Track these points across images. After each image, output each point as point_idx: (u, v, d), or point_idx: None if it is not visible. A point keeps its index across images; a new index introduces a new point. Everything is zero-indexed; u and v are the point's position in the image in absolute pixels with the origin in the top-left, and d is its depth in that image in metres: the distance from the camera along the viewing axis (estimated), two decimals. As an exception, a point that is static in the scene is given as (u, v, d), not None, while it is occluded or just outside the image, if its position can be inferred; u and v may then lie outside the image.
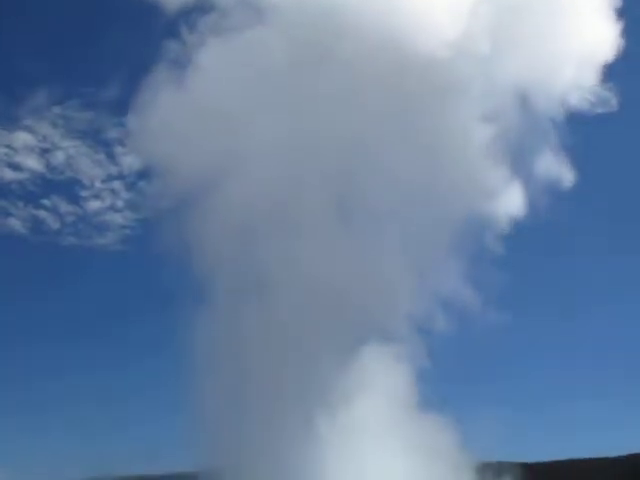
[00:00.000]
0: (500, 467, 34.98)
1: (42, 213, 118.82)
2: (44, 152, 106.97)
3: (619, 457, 77.14)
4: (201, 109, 33.96)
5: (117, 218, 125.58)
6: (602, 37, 33.80)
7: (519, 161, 34.41)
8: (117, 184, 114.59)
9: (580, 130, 39.43)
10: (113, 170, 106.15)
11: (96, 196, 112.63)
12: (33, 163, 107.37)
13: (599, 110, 40.74)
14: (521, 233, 37.46)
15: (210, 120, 33.79)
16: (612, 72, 36.32)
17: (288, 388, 31.12)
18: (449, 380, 37.10)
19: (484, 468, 34.14)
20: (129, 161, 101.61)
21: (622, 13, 34.22)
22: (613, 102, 40.18)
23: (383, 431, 30.09)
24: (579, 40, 33.80)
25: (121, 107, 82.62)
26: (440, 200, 33.87)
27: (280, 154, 32.77)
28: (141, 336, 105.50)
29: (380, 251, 32.67)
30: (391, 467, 29.59)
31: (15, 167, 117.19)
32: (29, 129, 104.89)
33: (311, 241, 31.74)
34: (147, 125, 34.10)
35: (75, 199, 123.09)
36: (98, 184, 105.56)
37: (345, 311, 31.56)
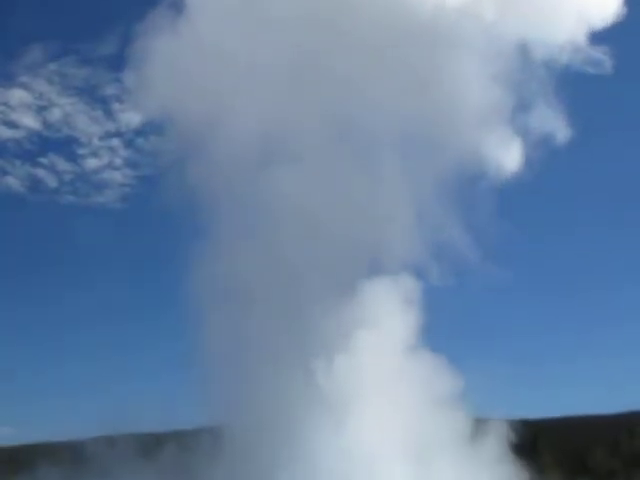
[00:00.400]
0: (497, 423, 35.09)
1: (40, 171, 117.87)
2: (41, 109, 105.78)
3: (616, 414, 77.90)
4: (199, 51, 33.81)
5: (116, 176, 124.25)
6: (603, 2, 33.96)
7: (517, 116, 34.53)
8: (115, 141, 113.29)
9: (575, 89, 39.59)
10: (111, 127, 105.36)
11: (94, 154, 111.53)
12: (30, 121, 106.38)
13: (594, 71, 40.97)
14: (518, 187, 37.41)
15: (208, 61, 33.61)
16: (610, 36, 36.60)
17: (288, 329, 31.21)
18: (445, 334, 37.02)
19: (481, 424, 34.29)
20: (127, 118, 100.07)
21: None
22: (608, 65, 40.36)
23: (384, 377, 29.85)
24: (579, 2, 33.87)
25: (118, 63, 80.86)
26: (440, 142, 33.85)
27: (280, 90, 32.75)
28: (143, 292, 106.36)
29: (380, 185, 32.69)
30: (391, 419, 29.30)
31: (11, 125, 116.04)
32: (25, 86, 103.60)
33: (312, 176, 31.79)
34: (146, 74, 33.83)
35: (73, 157, 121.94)
36: (96, 141, 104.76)
37: (346, 246, 31.63)
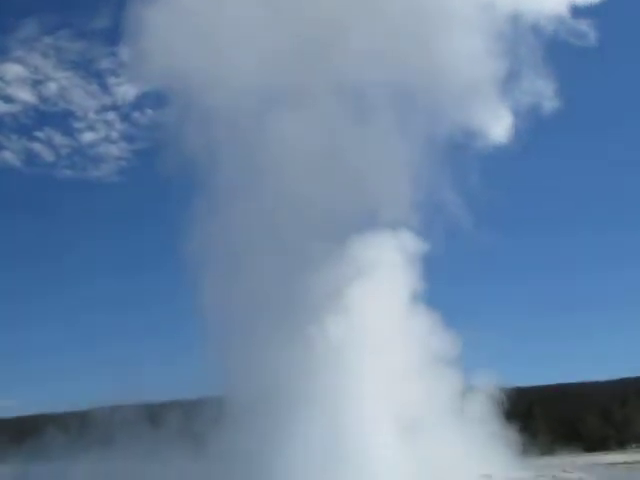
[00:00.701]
0: (488, 389, 35.71)
1: (36, 145, 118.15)
2: (36, 83, 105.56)
3: (608, 382, 78.94)
4: (194, 14, 33.81)
5: (112, 150, 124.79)
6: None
7: (507, 86, 34.92)
8: (111, 115, 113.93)
9: (562, 61, 40.31)
10: (107, 101, 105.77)
11: (90, 128, 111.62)
12: (25, 95, 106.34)
13: (580, 43, 41.72)
14: (508, 155, 37.90)
15: (204, 22, 33.66)
16: (596, 10, 37.41)
17: (285, 291, 31.05)
18: (440, 300, 37.25)
19: (473, 391, 34.86)
20: (123, 91, 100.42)
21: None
22: (592, 37, 41.16)
23: (381, 337, 29.72)
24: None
25: (113, 37, 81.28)
26: (432, 108, 34.02)
27: (279, 43, 32.76)
28: (144, 262, 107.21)
29: (375, 137, 32.75)
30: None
31: (7, 99, 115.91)
32: (20, 60, 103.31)
33: (310, 124, 31.79)
34: (141, 47, 33.41)
35: (69, 131, 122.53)
36: (92, 115, 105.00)
37: (341, 197, 31.70)
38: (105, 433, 41.46)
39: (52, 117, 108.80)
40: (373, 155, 32.15)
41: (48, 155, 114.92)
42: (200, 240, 31.71)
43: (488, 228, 36.39)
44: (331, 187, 30.92)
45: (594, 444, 61.42)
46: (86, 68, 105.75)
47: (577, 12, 35.71)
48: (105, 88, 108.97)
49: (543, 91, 36.23)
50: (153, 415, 41.65)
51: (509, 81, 34.53)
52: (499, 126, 35.04)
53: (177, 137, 33.26)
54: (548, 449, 53.75)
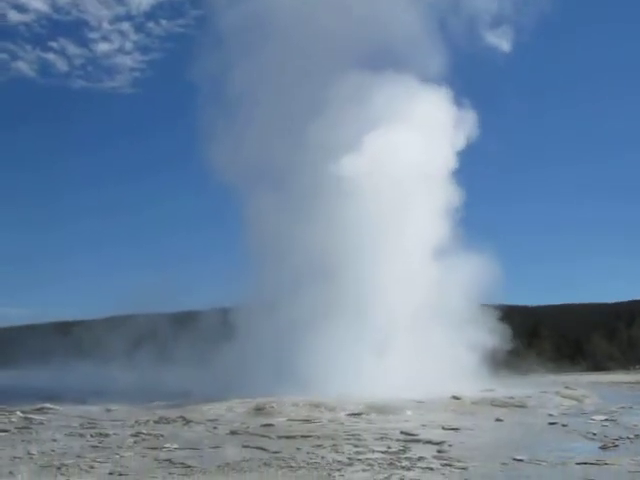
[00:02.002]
0: (501, 309, 35.79)
1: (50, 56, 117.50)
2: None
3: (614, 303, 79.38)
4: None
5: (126, 60, 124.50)
6: None
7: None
8: (125, 25, 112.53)
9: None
10: (121, 11, 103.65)
11: (104, 38, 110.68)
12: (38, 4, 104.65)
13: None
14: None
15: None
16: None
17: None
18: None
19: (487, 310, 34.84)
20: (137, 1, 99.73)
21: None
22: None
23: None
24: None
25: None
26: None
27: None
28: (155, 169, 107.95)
29: None
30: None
31: (20, 9, 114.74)
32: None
33: None
34: None
35: (83, 41, 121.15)
36: (106, 25, 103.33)
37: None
38: (114, 343, 42.19)
39: (66, 27, 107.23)
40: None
41: (62, 65, 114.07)
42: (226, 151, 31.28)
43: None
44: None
45: (598, 364, 62.07)
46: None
47: None
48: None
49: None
50: (164, 325, 42.36)
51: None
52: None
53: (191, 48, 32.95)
54: (553, 367, 54.30)
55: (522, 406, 23.56)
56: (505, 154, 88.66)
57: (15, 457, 13.44)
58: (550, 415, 21.15)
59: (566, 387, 29.23)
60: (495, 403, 23.76)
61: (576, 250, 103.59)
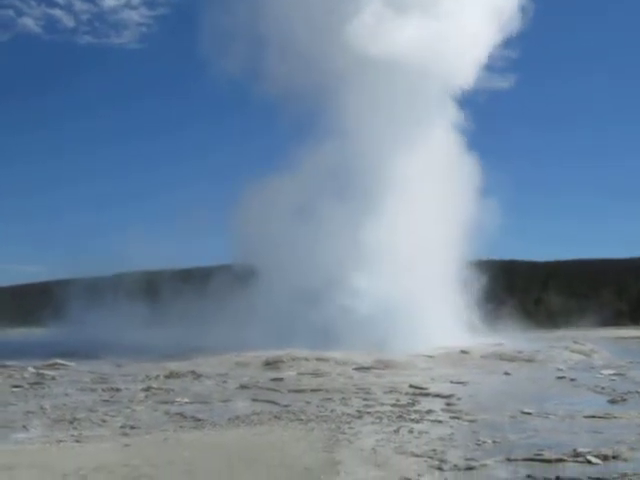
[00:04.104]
0: (510, 264, 35.77)
1: (56, 11, 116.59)
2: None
3: (627, 258, 79.09)
4: None
5: (133, 15, 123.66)
6: None
7: None
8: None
9: None
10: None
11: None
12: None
13: None
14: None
15: None
16: None
17: None
18: None
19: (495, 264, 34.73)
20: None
21: None
22: None
23: None
24: None
25: None
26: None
27: None
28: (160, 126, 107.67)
29: None
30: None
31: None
32: None
33: None
34: None
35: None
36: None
37: None
38: (123, 298, 42.46)
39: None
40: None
41: (68, 21, 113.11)
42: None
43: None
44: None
45: (607, 319, 62.03)
46: None
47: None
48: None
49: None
50: (175, 281, 42.62)
51: None
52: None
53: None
54: (562, 322, 54.42)
55: (531, 360, 23.66)
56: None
57: (28, 411, 13.61)
58: (559, 369, 21.25)
59: (575, 342, 29.31)
60: (504, 357, 23.88)
61: (587, 207, 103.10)
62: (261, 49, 32.24)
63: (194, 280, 40.29)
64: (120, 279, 46.94)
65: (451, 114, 32.15)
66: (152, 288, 43.29)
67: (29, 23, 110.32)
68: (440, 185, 30.17)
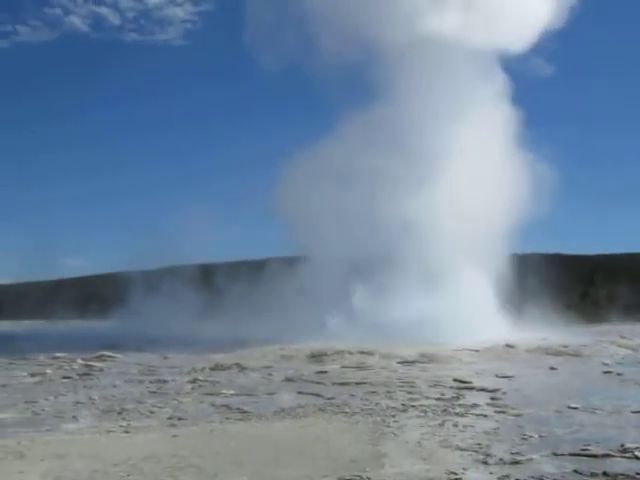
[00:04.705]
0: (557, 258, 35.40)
1: (102, 9, 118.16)
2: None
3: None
4: None
5: (178, 12, 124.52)
6: None
7: None
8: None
9: None
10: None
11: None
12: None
13: None
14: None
15: None
16: None
17: None
18: None
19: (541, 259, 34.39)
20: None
21: None
22: None
23: None
24: None
25: None
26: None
27: None
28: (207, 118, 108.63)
29: None
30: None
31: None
32: None
33: None
34: None
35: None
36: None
37: None
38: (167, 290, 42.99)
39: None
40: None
41: (114, 19, 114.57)
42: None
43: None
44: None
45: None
46: None
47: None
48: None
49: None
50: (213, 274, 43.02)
51: None
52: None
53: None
54: (608, 316, 53.58)
55: (577, 355, 23.41)
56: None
57: (78, 402, 13.90)
58: (605, 364, 20.97)
59: (621, 336, 28.91)
60: (549, 352, 23.66)
61: (628, 201, 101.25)
62: (310, 32, 32.38)
63: (249, 272, 40.56)
64: (176, 271, 47.40)
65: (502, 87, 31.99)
66: (207, 280, 43.79)
67: (76, 21, 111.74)
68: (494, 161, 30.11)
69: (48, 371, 20.16)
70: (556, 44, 40.51)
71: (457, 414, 11.91)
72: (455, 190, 29.33)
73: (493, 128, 30.73)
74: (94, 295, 58.05)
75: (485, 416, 11.80)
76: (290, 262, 35.60)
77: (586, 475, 7.77)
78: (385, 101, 31.19)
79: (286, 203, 33.73)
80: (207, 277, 44.80)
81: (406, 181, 29.64)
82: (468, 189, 29.39)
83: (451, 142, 29.91)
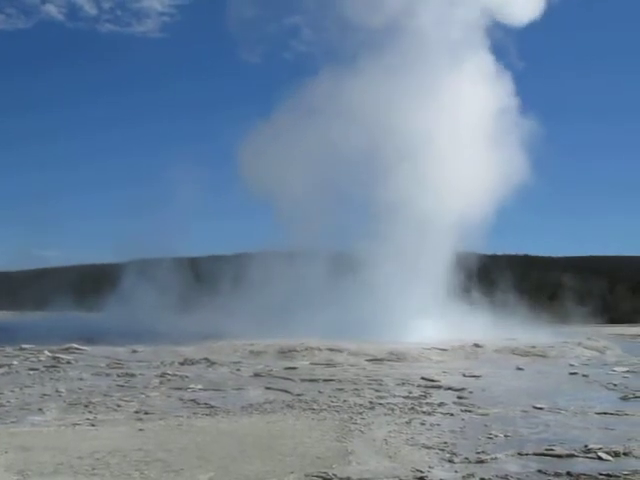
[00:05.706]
0: (525, 260, 35.61)
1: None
2: None
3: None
4: None
5: (155, 4, 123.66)
6: None
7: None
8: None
9: None
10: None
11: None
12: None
13: None
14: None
15: None
16: None
17: None
18: None
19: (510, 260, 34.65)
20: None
21: None
22: None
23: None
24: None
25: None
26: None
27: None
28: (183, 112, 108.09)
29: None
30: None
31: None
32: None
33: None
34: None
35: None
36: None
37: None
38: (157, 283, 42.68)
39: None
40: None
41: (91, 9, 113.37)
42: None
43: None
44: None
45: (622, 316, 61.75)
46: None
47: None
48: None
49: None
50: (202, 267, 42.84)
51: None
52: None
53: None
54: (575, 319, 54.17)
55: (543, 355, 23.64)
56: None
57: (44, 394, 13.79)
58: (571, 365, 21.20)
59: (588, 338, 29.23)
60: (517, 352, 23.86)
61: (603, 204, 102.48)
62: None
63: (233, 266, 40.30)
64: (159, 263, 46.88)
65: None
66: (192, 273, 43.50)
67: (52, 10, 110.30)
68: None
69: (14, 362, 19.93)
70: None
71: (424, 412, 12.00)
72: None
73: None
74: (72, 287, 57.35)
75: (452, 415, 11.89)
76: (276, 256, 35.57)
77: (550, 475, 7.87)
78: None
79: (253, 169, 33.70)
80: (192, 270, 44.40)
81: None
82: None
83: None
